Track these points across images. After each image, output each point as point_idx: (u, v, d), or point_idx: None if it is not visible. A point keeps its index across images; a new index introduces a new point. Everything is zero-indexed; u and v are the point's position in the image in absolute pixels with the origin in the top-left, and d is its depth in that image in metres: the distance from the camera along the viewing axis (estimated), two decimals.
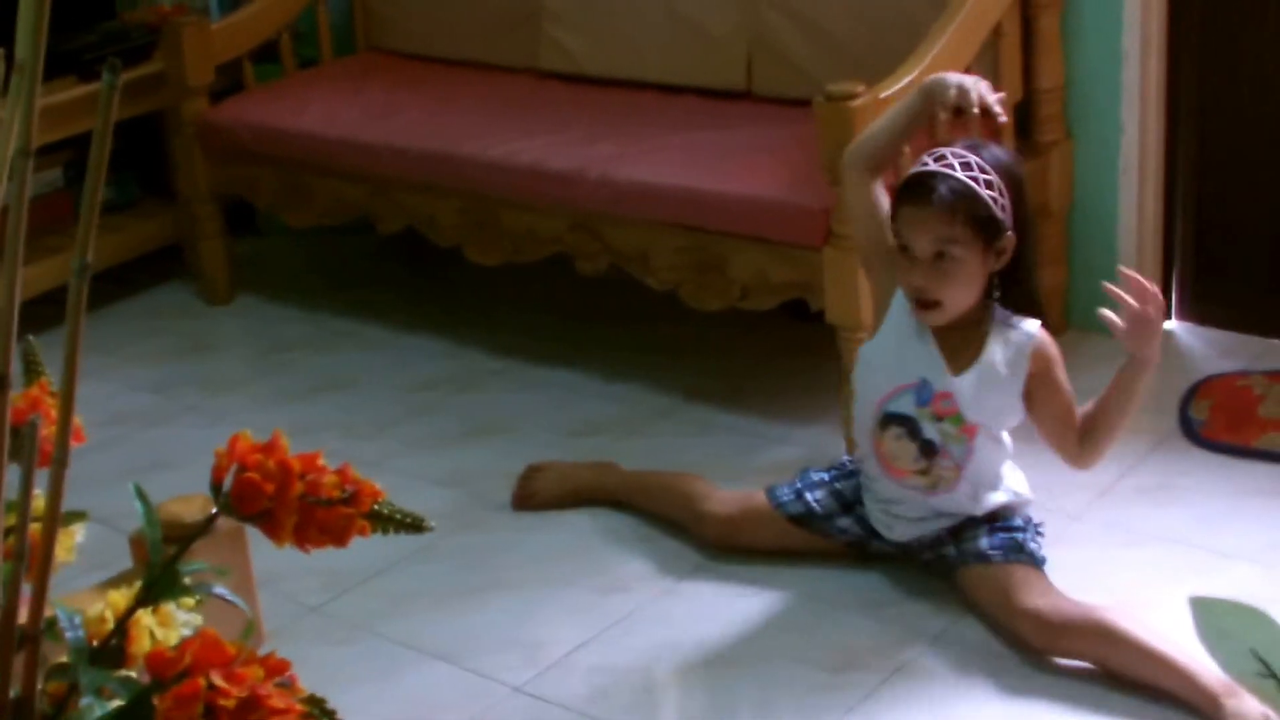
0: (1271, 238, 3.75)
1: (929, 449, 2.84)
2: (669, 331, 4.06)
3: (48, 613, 1.36)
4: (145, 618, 1.47)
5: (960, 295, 2.78)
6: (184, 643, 1.29)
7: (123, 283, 4.60)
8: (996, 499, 2.91)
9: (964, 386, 2.81)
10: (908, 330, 2.85)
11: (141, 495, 1.43)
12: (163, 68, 4.40)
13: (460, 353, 4.10)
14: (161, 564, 1.36)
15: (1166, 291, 3.87)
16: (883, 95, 3.18)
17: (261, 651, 1.32)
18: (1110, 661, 2.65)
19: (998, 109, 2.89)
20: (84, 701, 1.36)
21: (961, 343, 2.83)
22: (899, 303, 2.86)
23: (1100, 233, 3.79)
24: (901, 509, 2.93)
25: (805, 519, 3.03)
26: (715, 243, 3.48)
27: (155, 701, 1.27)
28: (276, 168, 4.29)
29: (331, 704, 1.38)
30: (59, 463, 1.28)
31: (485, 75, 4.40)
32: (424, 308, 4.39)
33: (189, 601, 1.51)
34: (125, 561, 2.73)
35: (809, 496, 3.04)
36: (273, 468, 1.32)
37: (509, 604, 3.03)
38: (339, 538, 1.35)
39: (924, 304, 2.79)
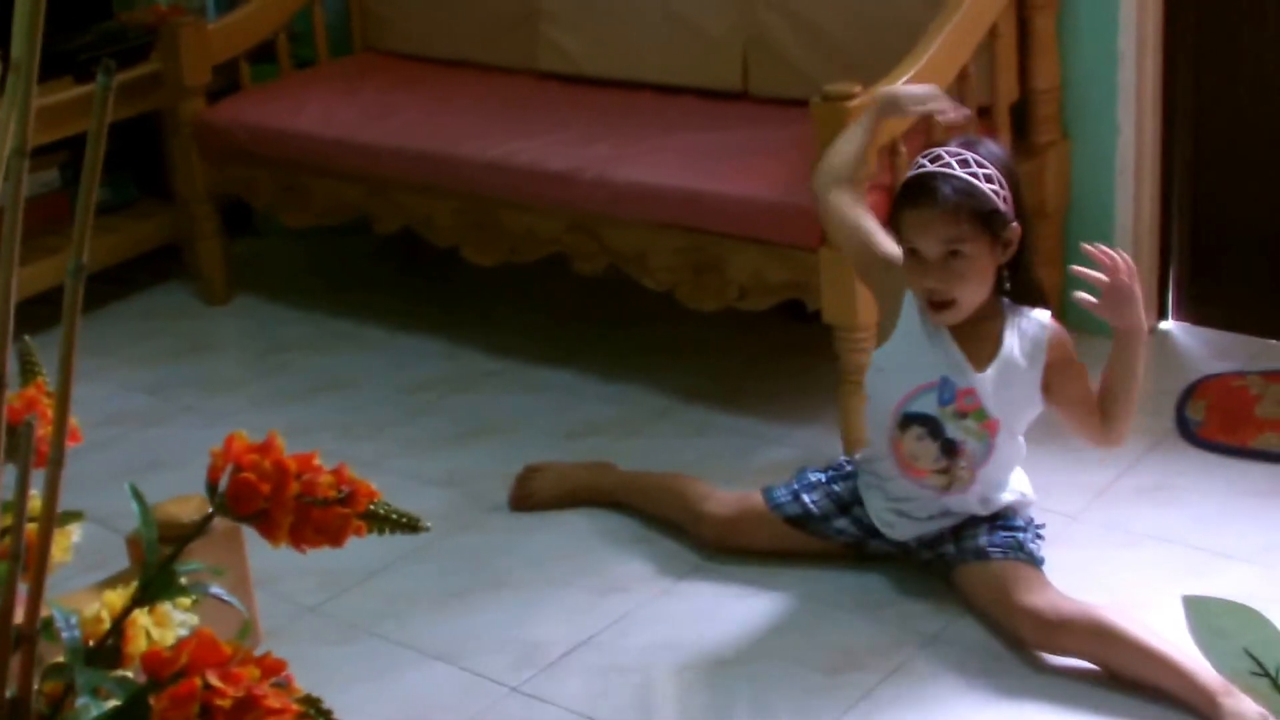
0: (1267, 238, 3.75)
1: (951, 448, 2.84)
2: (666, 332, 4.06)
3: (44, 613, 1.36)
4: (142, 618, 1.47)
5: (973, 292, 2.78)
6: (180, 643, 1.29)
7: (120, 283, 4.60)
8: (1003, 499, 2.92)
9: (986, 382, 2.81)
10: (922, 331, 2.84)
11: (137, 495, 1.43)
12: (159, 68, 4.40)
13: (458, 354, 4.10)
14: (157, 564, 1.36)
15: (1163, 292, 3.88)
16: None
17: (258, 651, 1.32)
18: (1108, 660, 2.65)
19: (954, 114, 2.92)
20: (80, 701, 1.36)
21: (978, 338, 2.83)
22: (909, 305, 2.86)
23: (1097, 233, 3.78)
24: (911, 507, 2.92)
25: (802, 520, 3.03)
26: (712, 243, 3.48)
27: (151, 701, 1.27)
28: (274, 168, 4.29)
29: (329, 704, 1.38)
30: (55, 463, 1.28)
31: (482, 76, 4.41)
32: (422, 308, 4.39)
33: (185, 601, 1.51)
34: (122, 562, 2.73)
35: (806, 498, 3.04)
36: (268, 468, 1.32)
37: (506, 604, 3.03)
38: (335, 538, 1.35)
39: (939, 305, 2.78)
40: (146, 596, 1.39)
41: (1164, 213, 3.83)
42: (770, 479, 3.14)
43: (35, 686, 1.38)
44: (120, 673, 1.42)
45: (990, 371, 2.81)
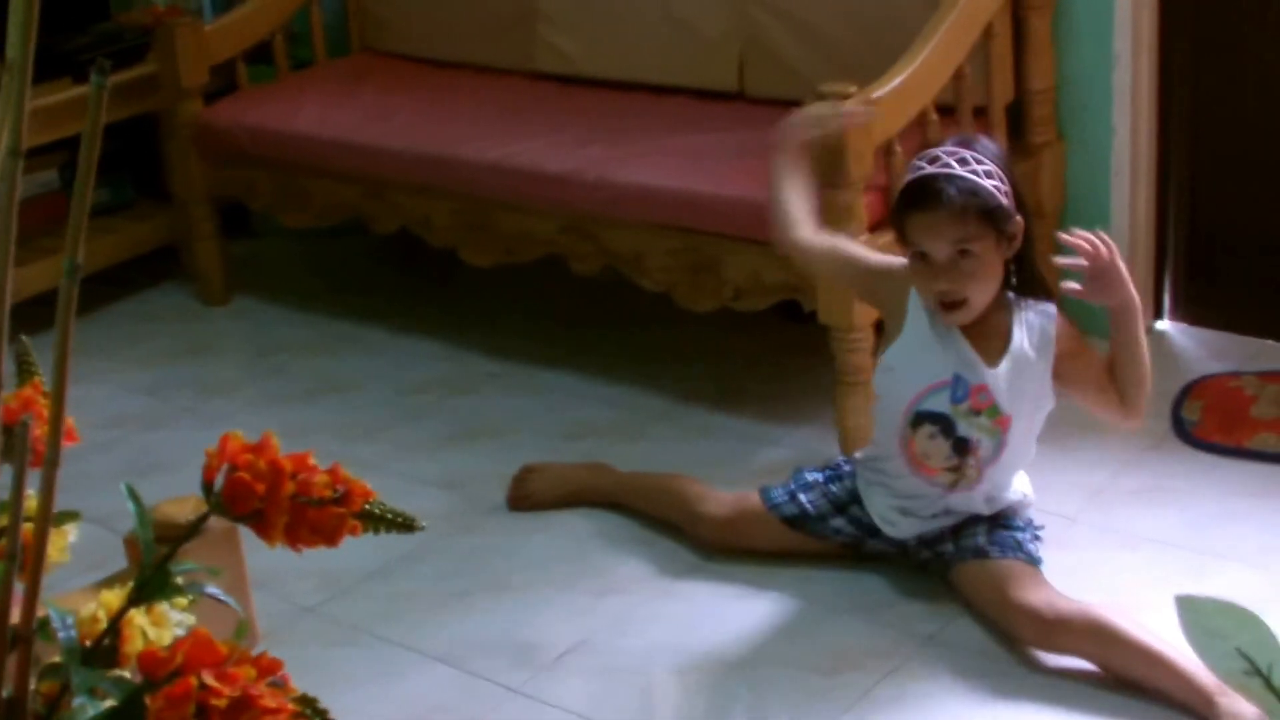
0: (1263, 239, 3.75)
1: (963, 446, 2.84)
2: (664, 334, 4.06)
3: (40, 613, 1.36)
4: (138, 618, 1.47)
5: (984, 290, 2.78)
6: (176, 642, 1.29)
7: (119, 284, 4.60)
8: (1007, 499, 2.93)
9: (999, 378, 2.81)
10: (931, 331, 2.84)
11: (133, 495, 1.43)
12: (157, 69, 4.40)
13: (457, 355, 4.11)
14: (153, 564, 1.36)
15: (1158, 293, 3.88)
16: (874, 95, 3.19)
17: (255, 651, 1.32)
18: (1105, 660, 2.65)
19: (862, 117, 2.99)
20: (77, 701, 1.36)
21: (986, 334, 2.83)
22: (914, 305, 2.85)
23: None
24: (916, 505, 2.92)
25: (799, 520, 3.03)
26: (708, 244, 3.48)
27: (147, 701, 1.27)
28: (272, 169, 4.29)
29: (327, 705, 1.38)
30: (50, 463, 1.28)
31: (480, 77, 4.41)
32: (420, 310, 4.39)
33: (182, 601, 1.51)
34: (121, 562, 2.74)
35: (802, 498, 3.04)
36: (263, 468, 1.32)
37: (505, 605, 3.03)
38: (330, 537, 1.35)
39: (950, 305, 2.79)
40: (142, 596, 1.39)
41: (1160, 213, 3.83)
42: (768, 479, 3.15)
43: (32, 686, 1.39)
44: (117, 673, 1.43)
45: (1002, 367, 2.81)
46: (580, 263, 3.74)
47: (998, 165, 2.77)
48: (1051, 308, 2.86)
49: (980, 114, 3.55)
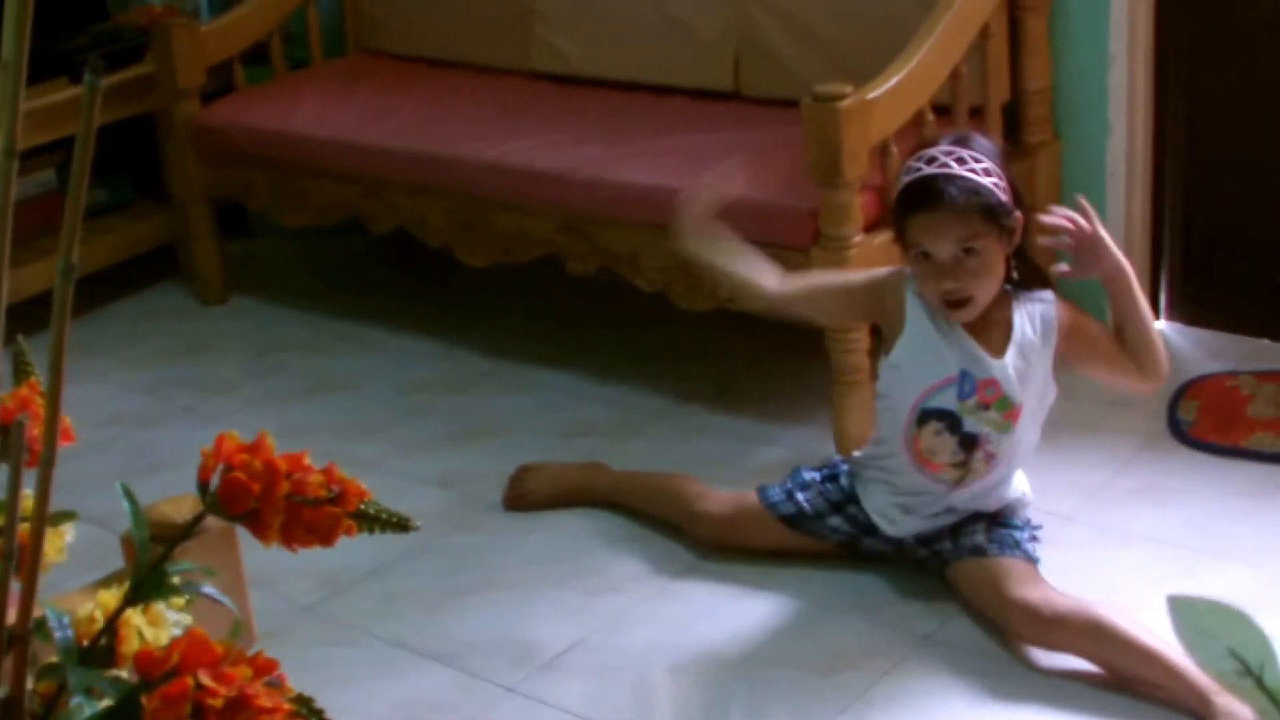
0: (1259, 238, 3.75)
1: (969, 442, 2.84)
2: (661, 334, 4.06)
3: (37, 613, 1.37)
4: (135, 617, 1.47)
5: (988, 286, 2.79)
6: (172, 642, 1.29)
7: (117, 284, 4.60)
8: (1008, 496, 2.93)
9: (1007, 367, 2.81)
10: (934, 329, 2.84)
11: (129, 495, 1.43)
12: (154, 69, 4.40)
13: (454, 354, 4.11)
14: (149, 564, 1.37)
15: (1155, 292, 3.88)
16: (870, 96, 3.19)
17: (251, 651, 1.33)
18: (1102, 657, 2.65)
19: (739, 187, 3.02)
20: (74, 701, 1.37)
21: (989, 327, 2.83)
22: (912, 306, 2.85)
23: None
24: (918, 502, 2.92)
25: (796, 519, 3.04)
26: None
27: (143, 701, 1.27)
28: (269, 169, 4.29)
29: (324, 704, 1.38)
30: (46, 462, 1.29)
31: (476, 77, 4.41)
32: (418, 310, 4.39)
33: (179, 601, 1.51)
34: (119, 562, 2.74)
35: (800, 497, 3.04)
36: (259, 467, 1.32)
37: (502, 604, 3.04)
38: (326, 537, 1.35)
39: (955, 304, 2.79)
40: (138, 596, 1.39)
41: (1156, 213, 3.84)
42: (765, 479, 3.15)
43: (29, 686, 1.39)
44: (114, 672, 1.43)
45: (1009, 356, 2.82)
46: (577, 262, 3.75)
47: (994, 162, 2.78)
48: (1049, 294, 2.87)
49: (976, 114, 3.55)
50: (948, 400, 2.83)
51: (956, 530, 2.92)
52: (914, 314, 2.86)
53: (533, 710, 2.73)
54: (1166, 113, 3.77)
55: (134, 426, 3.86)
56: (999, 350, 2.82)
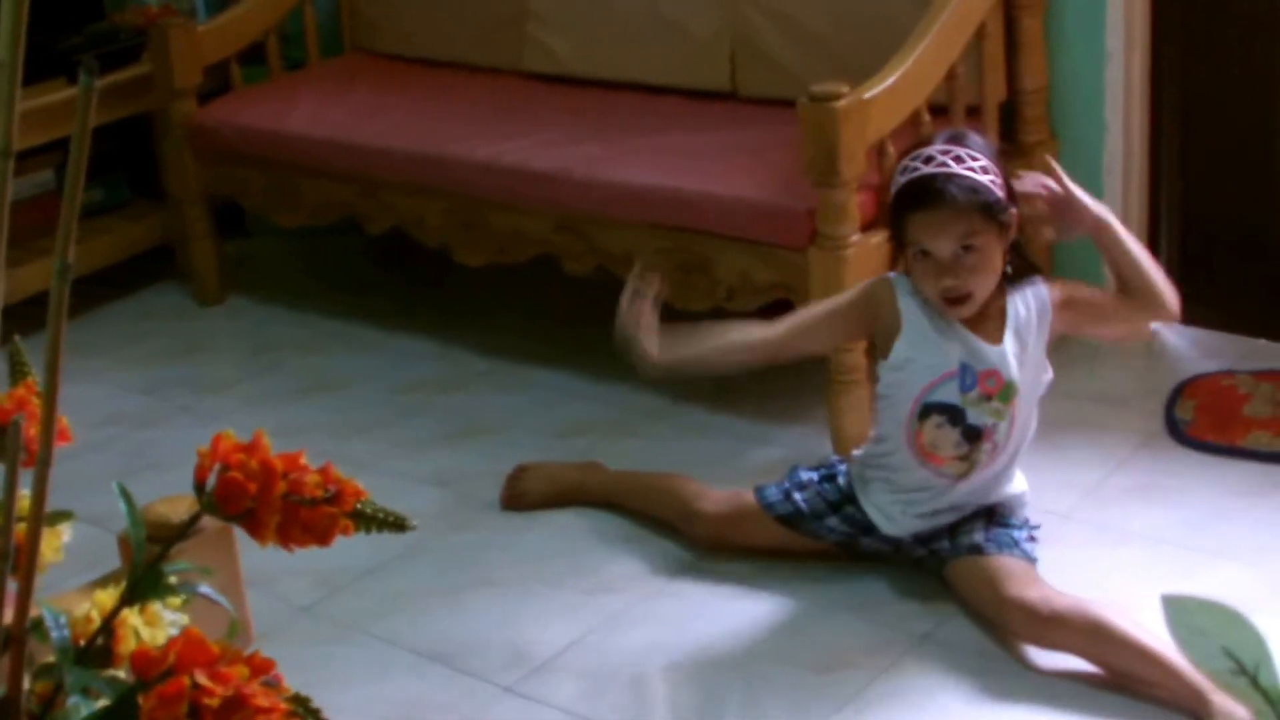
0: (1256, 237, 3.76)
1: (972, 433, 2.85)
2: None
3: (34, 612, 1.37)
4: (132, 617, 1.47)
5: (987, 282, 2.80)
6: (169, 642, 1.30)
7: (114, 284, 4.60)
8: (1011, 489, 2.94)
9: (1006, 353, 2.83)
10: (930, 325, 2.85)
11: (125, 495, 1.43)
12: (151, 69, 4.40)
13: (450, 354, 4.11)
14: (145, 564, 1.37)
15: None
16: (866, 95, 3.20)
17: (248, 651, 1.33)
18: (1099, 656, 2.66)
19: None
20: (71, 701, 1.37)
21: (986, 318, 2.84)
22: (906, 306, 2.86)
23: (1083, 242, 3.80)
24: (922, 497, 2.92)
25: (793, 519, 3.04)
26: (700, 243, 3.48)
27: (140, 701, 1.27)
28: (265, 169, 4.30)
29: (321, 704, 1.38)
30: (43, 462, 1.29)
31: (471, 77, 4.42)
32: (414, 309, 4.40)
33: (175, 601, 1.51)
34: (116, 562, 2.74)
35: (797, 496, 3.04)
36: (255, 467, 1.32)
37: (498, 604, 3.04)
38: (322, 537, 1.36)
39: (956, 300, 2.80)
40: (135, 596, 1.39)
41: (1152, 212, 3.84)
42: (762, 479, 3.15)
43: (26, 686, 1.39)
44: (111, 672, 1.43)
45: (1006, 341, 2.83)
46: (572, 262, 3.75)
47: (989, 159, 2.79)
48: (1039, 279, 2.88)
49: (973, 113, 3.55)
50: (949, 394, 2.84)
51: (954, 529, 2.92)
52: (909, 313, 2.86)
53: (529, 709, 2.73)
54: (1163, 112, 3.77)
55: (131, 427, 3.86)
56: (996, 337, 2.83)
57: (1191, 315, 3.86)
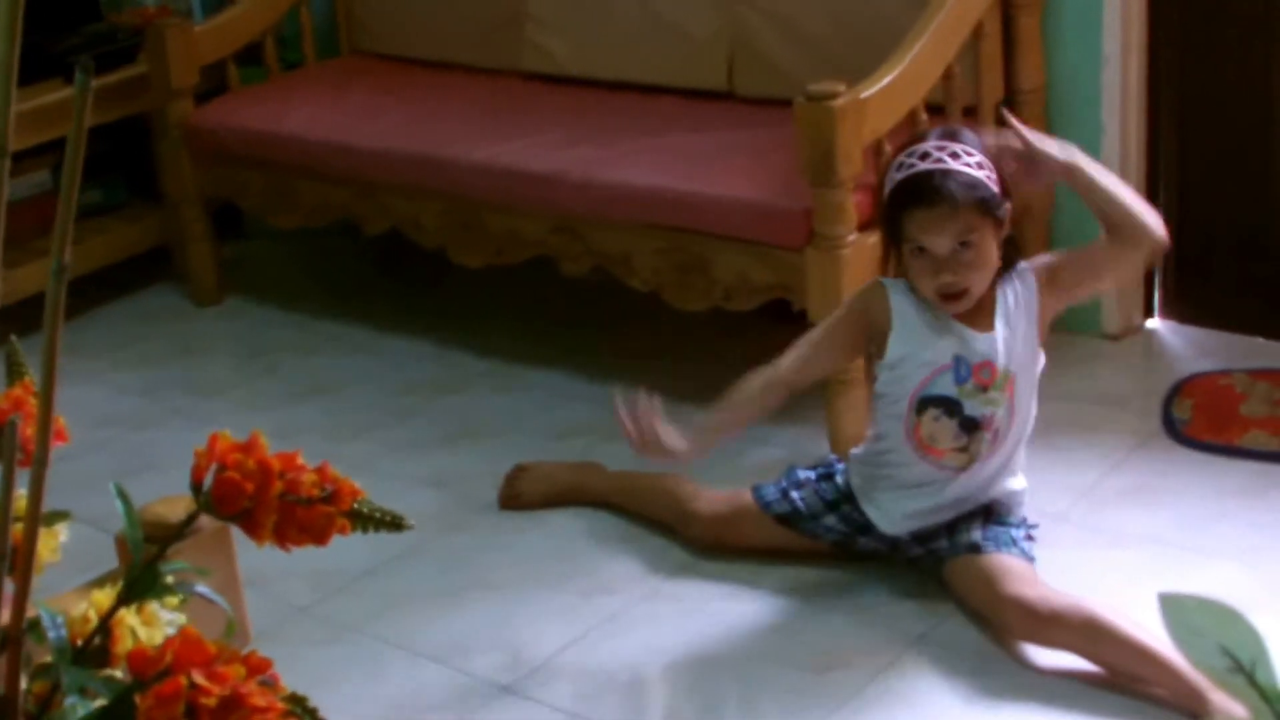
0: (1253, 237, 3.76)
1: (970, 424, 2.85)
2: (653, 335, 4.07)
3: (31, 613, 1.37)
4: (129, 617, 1.47)
5: (983, 277, 2.81)
6: (165, 642, 1.29)
7: (111, 285, 4.60)
8: (1012, 485, 2.94)
9: (995, 340, 2.83)
10: (921, 320, 2.85)
11: (122, 495, 1.43)
12: (147, 70, 4.40)
13: (447, 355, 4.11)
14: (142, 563, 1.37)
15: (1149, 291, 3.89)
16: (863, 95, 3.20)
17: (245, 651, 1.33)
18: (1097, 655, 2.65)
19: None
20: (68, 701, 1.37)
21: (978, 308, 2.85)
22: (897, 304, 2.87)
23: (1082, 234, 3.77)
24: (924, 492, 2.92)
25: (791, 518, 3.04)
26: (697, 244, 3.49)
27: (137, 700, 1.27)
28: (262, 170, 4.30)
29: (318, 704, 1.38)
30: (39, 462, 1.29)
31: (468, 78, 4.41)
32: (411, 310, 4.40)
33: (172, 601, 1.51)
34: (113, 564, 2.74)
35: (794, 495, 3.05)
36: (252, 467, 1.32)
37: (496, 604, 3.04)
38: (319, 536, 1.35)
39: (952, 296, 2.80)
40: (132, 596, 1.39)
41: None
42: (759, 479, 3.15)
43: (24, 686, 1.39)
44: (108, 672, 1.43)
45: (997, 328, 2.84)
46: (570, 263, 3.75)
47: (983, 154, 2.80)
48: (1023, 263, 2.90)
49: (970, 113, 3.55)
50: (945, 387, 2.84)
51: (952, 528, 2.92)
52: (901, 311, 2.87)
53: (527, 710, 2.73)
54: (1160, 112, 3.77)
55: (128, 428, 3.86)
56: (987, 325, 2.84)
57: (1188, 315, 3.88)
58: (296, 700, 1.34)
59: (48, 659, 1.41)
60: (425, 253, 4.14)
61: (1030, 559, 2.87)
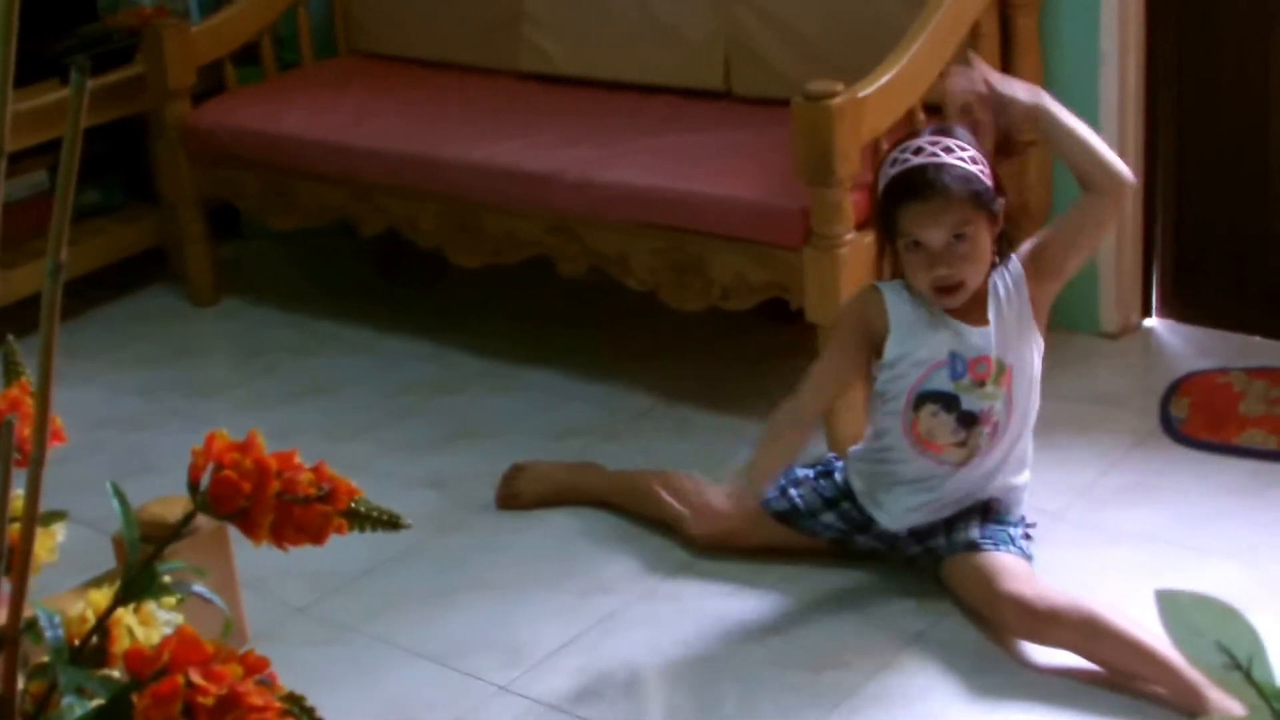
0: (1250, 236, 3.76)
1: (968, 419, 2.86)
2: (651, 335, 4.07)
3: (28, 613, 1.37)
4: (127, 617, 1.47)
5: (978, 271, 2.81)
6: (163, 641, 1.29)
7: (108, 286, 4.60)
8: (1017, 480, 2.95)
9: (989, 334, 2.84)
10: (916, 316, 2.86)
11: (119, 494, 1.43)
12: (144, 71, 4.40)
13: (444, 356, 4.11)
14: (139, 563, 1.37)
15: (1147, 290, 3.89)
16: (861, 94, 3.20)
17: (242, 650, 1.33)
18: (1095, 652, 2.66)
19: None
20: (65, 701, 1.37)
21: (972, 304, 2.85)
22: (892, 304, 2.87)
23: None
24: (924, 486, 2.92)
25: (790, 515, 3.04)
26: (694, 243, 3.49)
27: (134, 700, 1.27)
28: (259, 171, 4.29)
29: (316, 703, 1.38)
30: (36, 462, 1.29)
31: (465, 78, 4.41)
32: (408, 311, 4.39)
33: (170, 600, 1.51)
34: (110, 563, 2.74)
35: (793, 493, 3.05)
36: (249, 466, 1.32)
37: (493, 604, 3.04)
38: (316, 536, 1.35)
39: (947, 289, 2.81)
40: (129, 595, 1.39)
41: (1147, 211, 3.84)
42: None
43: (21, 686, 1.39)
44: (105, 672, 1.43)
45: (991, 320, 2.84)
46: (567, 263, 3.75)
47: (977, 150, 2.81)
48: (1012, 255, 2.90)
49: (967, 112, 3.54)
50: (942, 382, 2.85)
51: (950, 526, 2.92)
52: (897, 312, 2.87)
53: (523, 709, 2.73)
54: (1158, 112, 3.77)
55: (125, 429, 3.86)
56: (981, 319, 2.85)
57: (1186, 314, 3.88)
58: (294, 700, 1.34)
59: (45, 659, 1.41)
60: (423, 253, 4.14)
61: (1028, 557, 2.88)
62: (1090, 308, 3.83)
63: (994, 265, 2.85)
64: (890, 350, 2.88)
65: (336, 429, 3.76)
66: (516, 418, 3.74)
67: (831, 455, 3.16)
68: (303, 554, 1.42)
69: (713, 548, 3.11)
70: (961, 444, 2.87)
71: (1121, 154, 3.70)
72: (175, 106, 4.37)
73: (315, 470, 1.37)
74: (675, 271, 3.53)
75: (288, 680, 1.35)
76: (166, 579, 1.43)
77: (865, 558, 3.03)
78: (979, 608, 2.83)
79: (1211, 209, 3.80)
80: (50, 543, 1.63)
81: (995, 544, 2.86)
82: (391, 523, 1.41)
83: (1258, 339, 3.77)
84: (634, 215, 3.55)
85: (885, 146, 3.23)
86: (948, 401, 2.85)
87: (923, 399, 2.86)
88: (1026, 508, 3.01)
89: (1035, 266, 2.88)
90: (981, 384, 2.84)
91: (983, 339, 2.83)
